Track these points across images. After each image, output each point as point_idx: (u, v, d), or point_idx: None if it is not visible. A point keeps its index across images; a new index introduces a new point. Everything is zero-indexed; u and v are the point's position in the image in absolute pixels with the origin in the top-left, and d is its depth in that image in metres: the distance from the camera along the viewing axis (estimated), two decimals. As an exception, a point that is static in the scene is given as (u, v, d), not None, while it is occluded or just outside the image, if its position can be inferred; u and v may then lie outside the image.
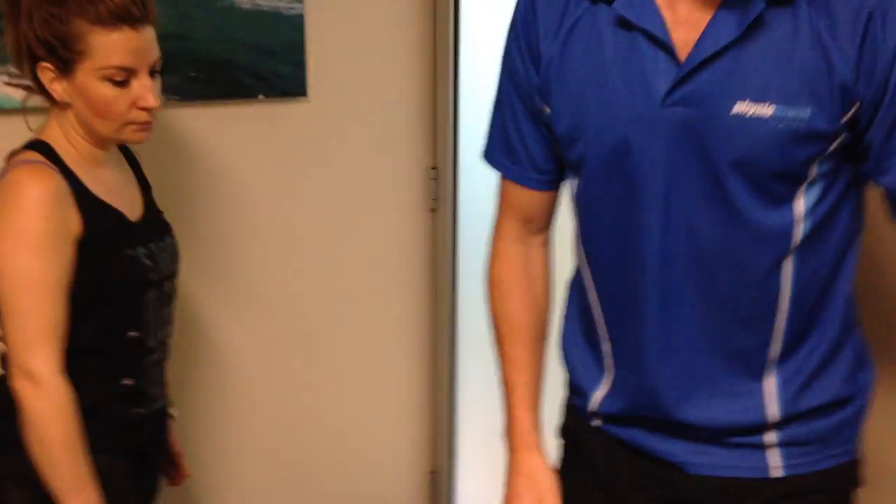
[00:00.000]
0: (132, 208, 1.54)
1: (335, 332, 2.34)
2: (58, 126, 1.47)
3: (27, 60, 1.42)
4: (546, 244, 1.34)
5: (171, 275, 1.59)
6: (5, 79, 1.71)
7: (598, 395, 1.25)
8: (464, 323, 2.50)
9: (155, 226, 1.59)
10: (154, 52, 1.45)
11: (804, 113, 1.01)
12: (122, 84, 1.41)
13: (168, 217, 1.64)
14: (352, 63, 2.19)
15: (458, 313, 2.48)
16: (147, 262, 1.52)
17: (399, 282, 2.40)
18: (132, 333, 1.52)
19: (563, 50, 1.13)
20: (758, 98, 1.01)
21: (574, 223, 1.25)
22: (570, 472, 1.32)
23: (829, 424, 1.16)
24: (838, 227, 1.11)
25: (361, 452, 2.46)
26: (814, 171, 1.05)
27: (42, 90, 1.43)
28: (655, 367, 1.16)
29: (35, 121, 1.50)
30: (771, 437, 1.15)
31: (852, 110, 1.02)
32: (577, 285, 1.30)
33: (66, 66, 1.40)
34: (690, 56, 1.03)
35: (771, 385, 1.14)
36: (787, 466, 1.15)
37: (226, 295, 2.12)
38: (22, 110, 1.50)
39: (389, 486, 2.53)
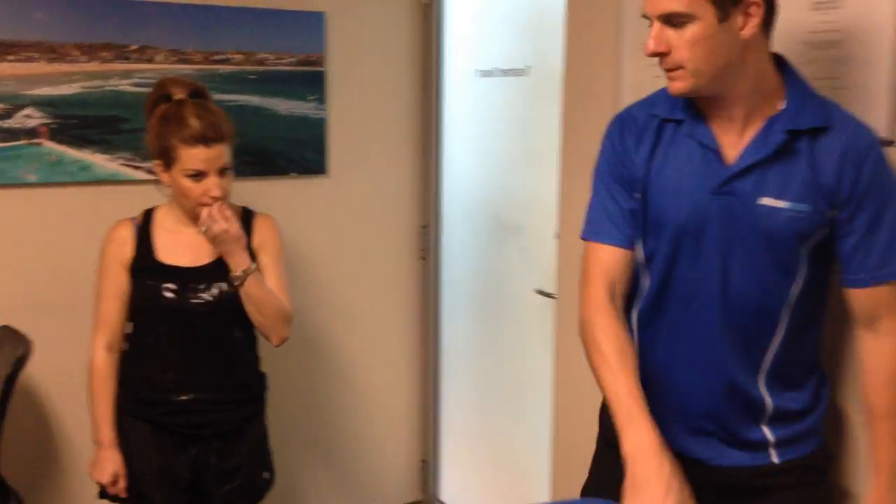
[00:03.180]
0: (194, 258, 1.83)
1: (349, 349, 2.71)
2: (170, 198, 1.87)
3: (151, 157, 1.83)
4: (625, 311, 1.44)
5: (205, 307, 1.81)
6: (124, 161, 2.25)
7: None
8: (446, 342, 2.78)
9: (206, 275, 1.83)
10: (222, 160, 1.76)
11: (805, 208, 1.31)
12: (197, 180, 1.76)
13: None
14: (360, 151, 2.64)
15: (441, 335, 2.80)
16: (167, 294, 1.81)
17: (397, 311, 2.78)
18: (149, 339, 1.88)
19: (651, 156, 1.40)
20: (777, 196, 1.32)
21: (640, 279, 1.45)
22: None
23: (802, 427, 1.44)
24: (816, 290, 1.39)
25: (369, 445, 2.80)
26: (806, 248, 1.34)
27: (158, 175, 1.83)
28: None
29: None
30: (769, 436, 1.43)
31: (832, 213, 1.32)
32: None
33: (167, 165, 1.79)
34: (734, 165, 1.32)
35: (764, 391, 1.41)
36: (779, 455, 1.44)
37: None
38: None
39: (390, 471, 2.88)
